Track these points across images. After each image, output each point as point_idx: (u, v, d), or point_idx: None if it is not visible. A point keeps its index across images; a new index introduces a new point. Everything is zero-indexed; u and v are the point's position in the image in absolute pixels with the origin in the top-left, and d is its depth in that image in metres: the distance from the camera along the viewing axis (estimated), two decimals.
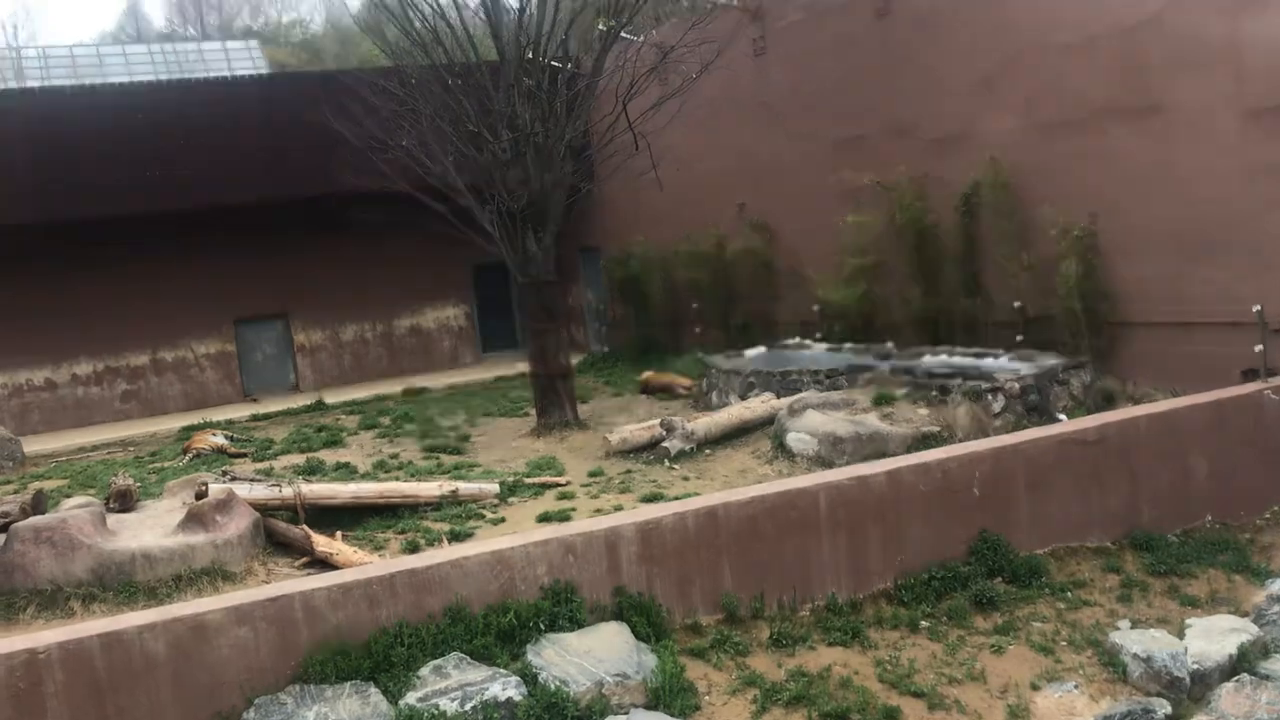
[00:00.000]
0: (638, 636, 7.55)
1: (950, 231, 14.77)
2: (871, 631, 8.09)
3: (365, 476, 12.73)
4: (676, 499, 9.73)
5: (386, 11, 15.56)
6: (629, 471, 12.05)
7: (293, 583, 7.51)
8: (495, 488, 11.31)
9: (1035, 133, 13.57)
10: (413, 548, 9.59)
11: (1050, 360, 12.39)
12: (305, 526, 10.04)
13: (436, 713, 6.70)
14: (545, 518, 10.25)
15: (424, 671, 7.08)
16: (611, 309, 23.36)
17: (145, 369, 22.39)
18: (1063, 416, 11.44)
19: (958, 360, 13.22)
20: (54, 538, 8.88)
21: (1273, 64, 11.05)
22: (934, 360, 13.32)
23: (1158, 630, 8.08)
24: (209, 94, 21.41)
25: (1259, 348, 10.96)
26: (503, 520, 10.47)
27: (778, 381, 13.99)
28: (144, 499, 11.09)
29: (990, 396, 11.59)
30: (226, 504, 9.66)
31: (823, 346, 15.76)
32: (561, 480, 11.83)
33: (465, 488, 11.23)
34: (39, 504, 10.35)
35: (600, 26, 14.68)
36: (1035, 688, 7.54)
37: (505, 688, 6.90)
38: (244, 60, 28.90)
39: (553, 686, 6.94)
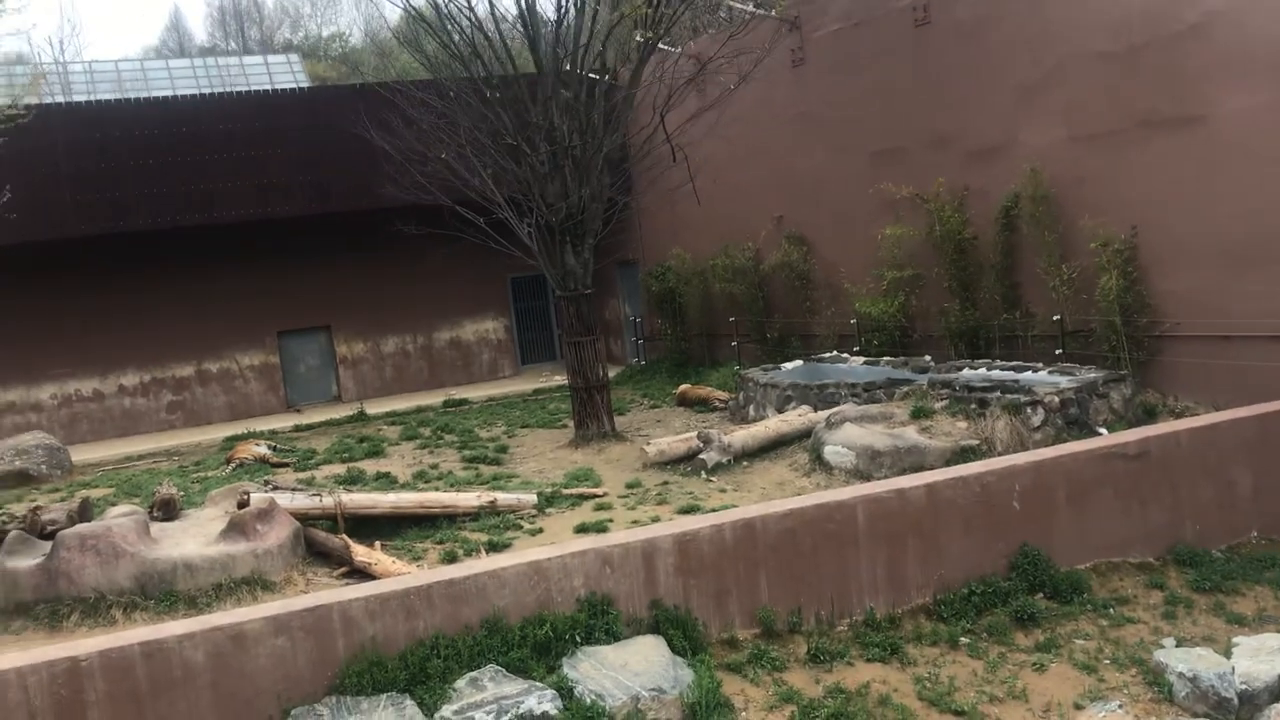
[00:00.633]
0: (674, 650, 7.52)
1: (989, 244, 14.64)
2: (910, 648, 8.00)
3: (405, 486, 12.81)
4: (714, 511, 9.70)
5: (425, 25, 15.71)
6: (666, 483, 12.04)
7: (331, 593, 7.55)
8: (533, 498, 11.34)
9: (1076, 144, 13.44)
10: (450, 558, 9.63)
11: (1090, 374, 12.25)
12: (345, 536, 10.10)
13: None
14: (582, 529, 10.27)
15: (460, 684, 7.07)
16: (649, 322, 23.38)
17: (190, 380, 22.73)
18: (1103, 430, 11.29)
19: (997, 374, 13.10)
20: (99, 545, 9.01)
21: None
22: (973, 374, 13.21)
23: (1203, 649, 7.93)
24: (251, 107, 21.70)
25: None
26: (540, 531, 10.49)
27: (815, 395, 13.93)
28: (187, 508, 11.22)
29: (1030, 410, 11.47)
30: (268, 513, 9.75)
31: (860, 360, 15.67)
32: (599, 491, 11.84)
33: (503, 498, 11.27)
34: (85, 512, 10.49)
35: (638, 38, 14.73)
36: (1079, 707, 7.42)
37: (541, 701, 6.89)
38: (285, 74, 29.32)
39: (588, 700, 6.92)
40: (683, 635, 7.68)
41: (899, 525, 8.48)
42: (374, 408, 21.09)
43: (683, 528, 8.11)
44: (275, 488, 11.14)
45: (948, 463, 10.60)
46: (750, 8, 18.06)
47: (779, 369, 15.90)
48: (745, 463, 12.50)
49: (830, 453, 11.68)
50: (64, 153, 19.81)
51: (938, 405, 12.25)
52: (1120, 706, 7.41)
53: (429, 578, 7.57)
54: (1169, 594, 8.80)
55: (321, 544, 10.09)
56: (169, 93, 23.91)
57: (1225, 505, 9.60)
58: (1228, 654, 7.85)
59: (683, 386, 18.06)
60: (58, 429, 20.64)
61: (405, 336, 24.51)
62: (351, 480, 13.43)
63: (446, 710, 6.86)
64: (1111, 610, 8.55)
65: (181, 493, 12.17)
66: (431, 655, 7.20)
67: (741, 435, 12.79)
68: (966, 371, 13.43)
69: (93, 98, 24.03)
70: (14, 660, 6.54)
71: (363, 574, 9.37)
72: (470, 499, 11.21)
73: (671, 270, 21.46)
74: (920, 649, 8.01)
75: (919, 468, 10.58)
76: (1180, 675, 7.55)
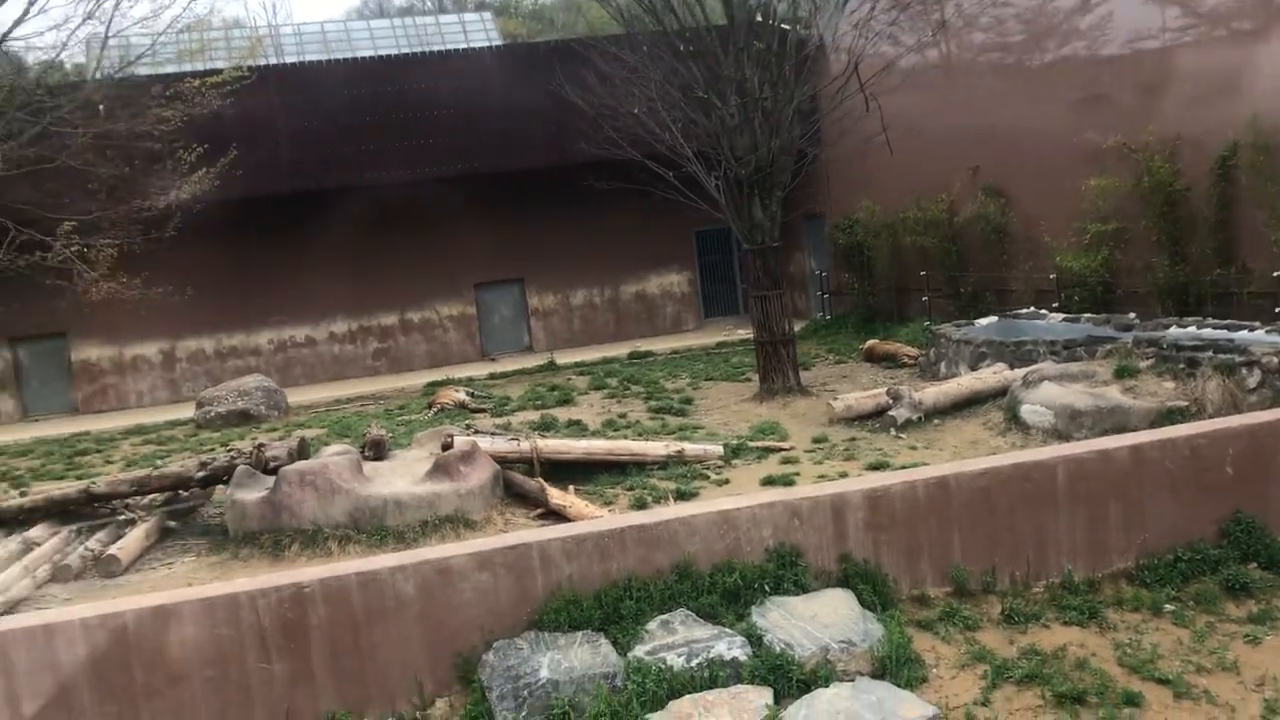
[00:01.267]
0: (863, 605, 7.51)
1: (1203, 196, 13.80)
2: (1110, 612, 7.76)
3: (595, 434, 13.15)
4: (903, 468, 9.61)
5: None
6: (853, 439, 11.96)
7: (530, 533, 7.87)
8: (719, 449, 11.47)
9: None
10: (640, 504, 9.87)
11: None
12: (540, 479, 10.50)
13: (664, 667, 6.87)
14: (769, 481, 10.34)
15: (651, 625, 7.25)
16: (834, 276, 23.10)
17: (394, 329, 23.91)
18: None
19: (1208, 332, 12.38)
20: (316, 481, 9.64)
21: None
22: (1181, 332, 12.53)
23: None
24: (449, 66, 22.41)
25: None
26: (727, 481, 10.62)
27: (1011, 352, 13.52)
28: (394, 449, 11.84)
29: (1245, 370, 10.82)
30: (470, 455, 10.20)
31: (1059, 316, 15.09)
32: (785, 445, 11.87)
33: (690, 448, 11.44)
34: (303, 450, 11.22)
35: None
36: None
37: (731, 647, 7.00)
38: (479, 32, 30.03)
39: (778, 649, 7.00)
40: (872, 590, 7.66)
41: (1100, 487, 8.20)
42: (563, 358, 21.67)
43: (873, 483, 8.06)
44: (476, 431, 11.64)
45: (1153, 424, 10.15)
46: None
47: (973, 325, 15.48)
48: (936, 420, 12.27)
49: (1027, 412, 11.34)
50: (281, 112, 20.98)
51: (1143, 365, 11.71)
52: None
53: (622, 522, 7.77)
54: None
55: (518, 486, 10.51)
56: (371, 52, 24.89)
57: None
58: None
59: (870, 342, 17.81)
60: (274, 373, 22.08)
61: (593, 289, 25.03)
62: (544, 426, 13.88)
63: (639, 650, 7.06)
64: None
65: (389, 434, 12.84)
66: (624, 596, 7.40)
67: (933, 392, 12.55)
68: (1174, 330, 12.75)
69: (302, 58, 25.30)
70: (245, 584, 7.09)
71: (557, 516, 9.72)
72: (658, 448, 11.43)
73: (859, 223, 21.10)
74: (1121, 614, 7.75)
75: (1122, 429, 10.16)
76: None
